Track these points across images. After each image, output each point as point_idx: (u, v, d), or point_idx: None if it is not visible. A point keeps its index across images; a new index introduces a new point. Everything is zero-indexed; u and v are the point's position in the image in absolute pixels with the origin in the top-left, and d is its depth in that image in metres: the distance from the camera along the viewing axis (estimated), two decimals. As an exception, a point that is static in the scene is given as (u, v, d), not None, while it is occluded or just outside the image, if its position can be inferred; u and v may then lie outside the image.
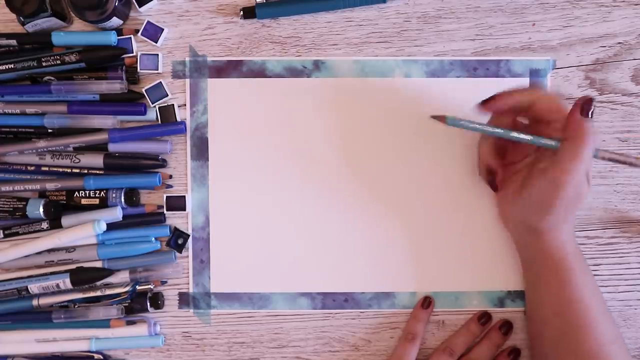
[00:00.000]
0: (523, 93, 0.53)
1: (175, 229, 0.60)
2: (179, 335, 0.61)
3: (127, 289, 0.58)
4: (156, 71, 0.59)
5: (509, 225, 0.58)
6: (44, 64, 0.56)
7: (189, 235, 0.60)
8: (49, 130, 0.59)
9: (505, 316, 0.60)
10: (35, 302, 0.58)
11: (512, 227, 0.58)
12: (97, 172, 0.59)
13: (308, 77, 0.60)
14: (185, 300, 0.60)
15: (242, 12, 0.59)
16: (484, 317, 0.60)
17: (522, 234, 0.57)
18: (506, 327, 0.59)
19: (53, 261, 0.59)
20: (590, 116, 0.51)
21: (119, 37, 0.58)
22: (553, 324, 0.55)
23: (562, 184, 0.51)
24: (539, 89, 0.55)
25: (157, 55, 0.59)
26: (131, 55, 0.59)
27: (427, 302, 0.59)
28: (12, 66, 0.56)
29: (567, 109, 0.51)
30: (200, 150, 0.60)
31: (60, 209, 0.59)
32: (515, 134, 0.52)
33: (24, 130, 0.59)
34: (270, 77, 0.59)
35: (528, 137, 0.52)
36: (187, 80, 0.60)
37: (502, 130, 0.53)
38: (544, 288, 0.56)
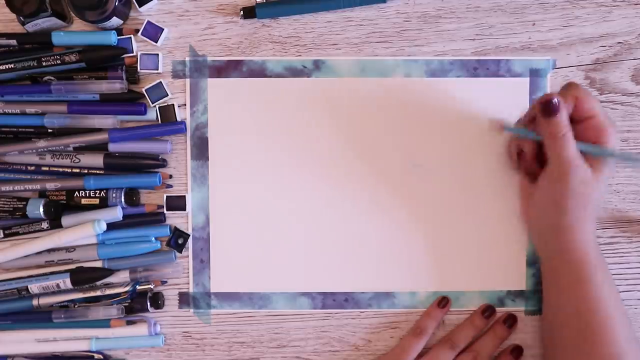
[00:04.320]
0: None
1: (175, 228, 0.60)
2: (179, 335, 0.61)
3: (127, 288, 0.58)
4: (156, 71, 0.59)
5: (531, 222, 0.58)
6: (44, 63, 0.56)
7: (189, 235, 0.60)
8: (49, 130, 0.59)
9: (505, 316, 0.60)
10: (35, 302, 0.58)
11: (534, 223, 0.57)
12: (97, 172, 0.59)
13: (308, 77, 0.60)
14: (185, 300, 0.60)
15: (242, 12, 0.59)
16: (488, 311, 0.59)
17: (542, 231, 0.56)
18: (510, 320, 0.59)
19: (53, 261, 0.59)
20: (557, 113, 0.51)
21: (119, 37, 0.58)
22: (572, 326, 0.54)
23: (564, 184, 0.51)
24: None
25: (157, 55, 0.59)
26: (131, 55, 0.59)
27: (443, 302, 0.59)
28: (12, 66, 0.56)
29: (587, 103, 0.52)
30: (200, 150, 0.60)
31: (60, 209, 0.59)
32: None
33: (24, 130, 0.59)
34: (270, 77, 0.59)
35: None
36: (187, 80, 0.60)
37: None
38: (564, 286, 0.54)
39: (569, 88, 0.53)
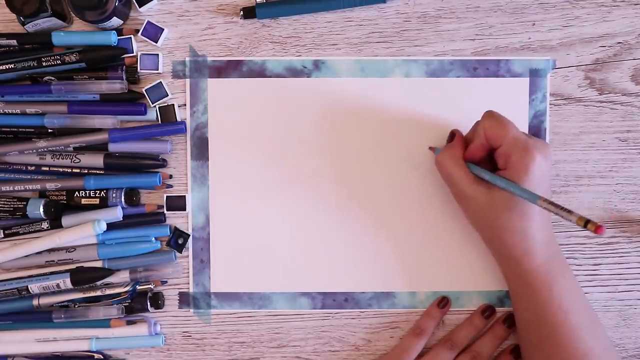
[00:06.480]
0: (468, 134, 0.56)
1: (176, 228, 0.60)
2: (179, 335, 0.61)
3: (127, 288, 0.58)
4: (156, 71, 0.59)
5: (480, 233, 0.58)
6: (44, 64, 0.56)
7: (189, 235, 0.60)
8: (49, 130, 0.59)
9: (505, 316, 0.60)
10: (35, 302, 0.58)
11: (483, 238, 0.58)
12: (97, 172, 0.59)
13: (308, 77, 0.60)
14: (185, 300, 0.60)
15: (242, 12, 0.59)
16: (487, 310, 0.59)
17: (489, 242, 0.57)
18: (510, 320, 0.59)
19: (53, 261, 0.59)
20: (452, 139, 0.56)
21: (119, 37, 0.58)
22: (534, 329, 0.55)
23: (463, 210, 0.56)
24: (482, 122, 0.54)
25: (157, 55, 0.59)
26: (131, 55, 0.59)
27: (443, 302, 0.59)
28: (12, 66, 0.56)
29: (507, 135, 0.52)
30: (200, 150, 0.60)
31: (60, 209, 0.59)
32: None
33: (24, 130, 0.59)
34: (270, 77, 0.60)
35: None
36: (187, 80, 0.60)
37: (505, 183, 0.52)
38: (523, 293, 0.55)
39: (482, 118, 0.54)
